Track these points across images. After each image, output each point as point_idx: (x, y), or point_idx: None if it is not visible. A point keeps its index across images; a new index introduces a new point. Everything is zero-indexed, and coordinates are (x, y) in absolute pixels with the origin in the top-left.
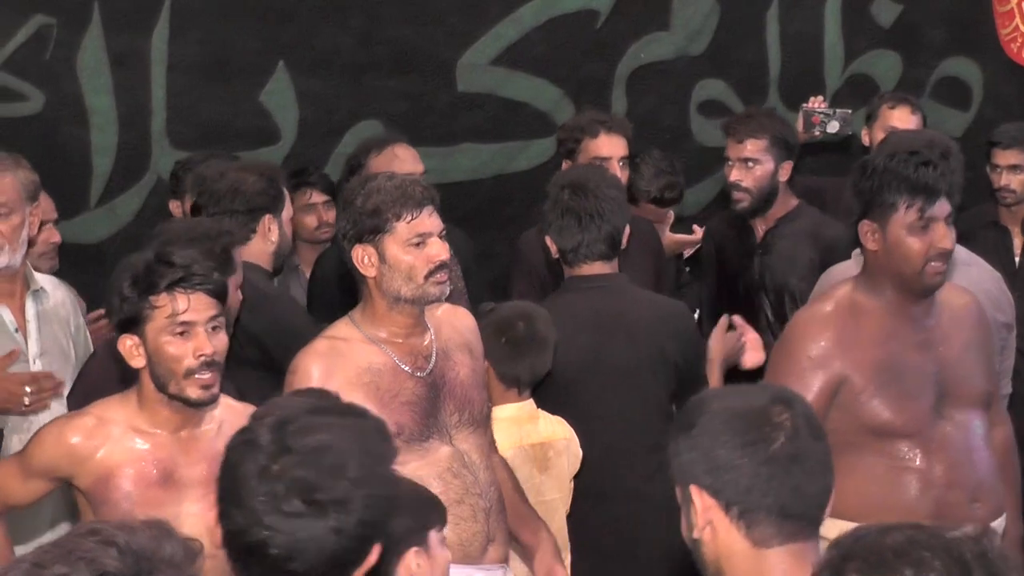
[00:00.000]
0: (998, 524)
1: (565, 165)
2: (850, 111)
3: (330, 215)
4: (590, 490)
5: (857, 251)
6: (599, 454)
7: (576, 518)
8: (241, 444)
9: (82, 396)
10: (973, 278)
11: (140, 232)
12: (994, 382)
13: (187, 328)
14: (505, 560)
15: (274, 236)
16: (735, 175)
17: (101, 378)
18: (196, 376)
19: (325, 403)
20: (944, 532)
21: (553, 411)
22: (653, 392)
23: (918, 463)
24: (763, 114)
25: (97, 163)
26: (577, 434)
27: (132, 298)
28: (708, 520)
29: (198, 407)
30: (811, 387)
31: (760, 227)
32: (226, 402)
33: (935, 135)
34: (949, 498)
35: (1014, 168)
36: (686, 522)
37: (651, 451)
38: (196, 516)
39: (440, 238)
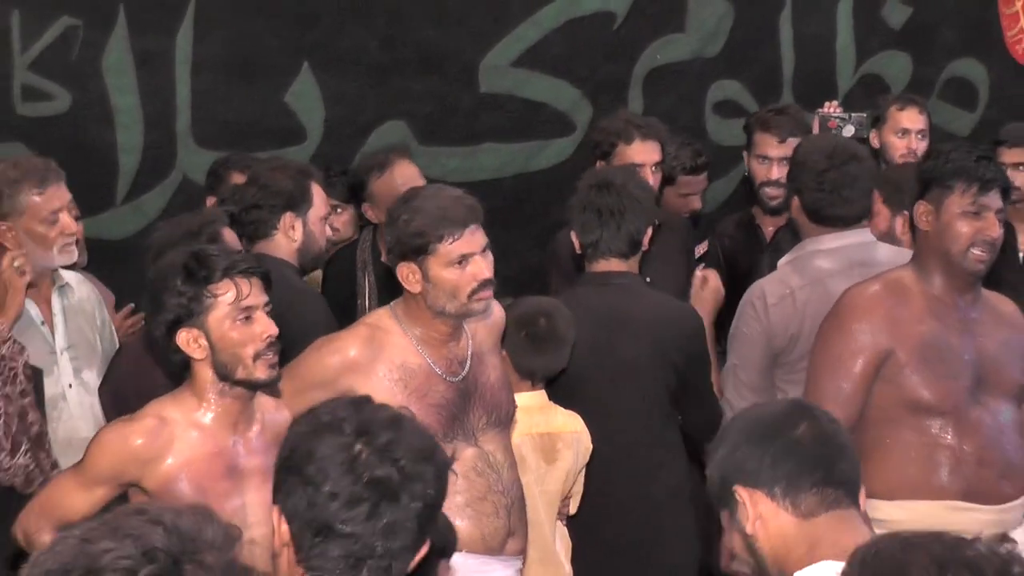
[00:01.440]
0: (1023, 502)
1: (599, 166)
2: (865, 115)
3: (341, 219)
4: (592, 483)
5: (784, 260)
6: (602, 447)
7: (579, 510)
8: (317, 428)
9: (111, 392)
10: None
11: None
12: None
13: (249, 312)
14: (523, 552)
15: (296, 235)
16: (776, 172)
17: (130, 373)
18: (264, 357)
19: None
20: (965, 546)
21: (560, 402)
22: (654, 390)
23: (950, 440)
24: (796, 110)
25: (123, 161)
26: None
27: (188, 291)
28: (757, 514)
29: (267, 386)
30: (859, 360)
31: (769, 227)
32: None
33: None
34: (980, 475)
35: (1018, 166)
36: (737, 532)
37: (651, 447)
38: (259, 505)
39: (483, 255)
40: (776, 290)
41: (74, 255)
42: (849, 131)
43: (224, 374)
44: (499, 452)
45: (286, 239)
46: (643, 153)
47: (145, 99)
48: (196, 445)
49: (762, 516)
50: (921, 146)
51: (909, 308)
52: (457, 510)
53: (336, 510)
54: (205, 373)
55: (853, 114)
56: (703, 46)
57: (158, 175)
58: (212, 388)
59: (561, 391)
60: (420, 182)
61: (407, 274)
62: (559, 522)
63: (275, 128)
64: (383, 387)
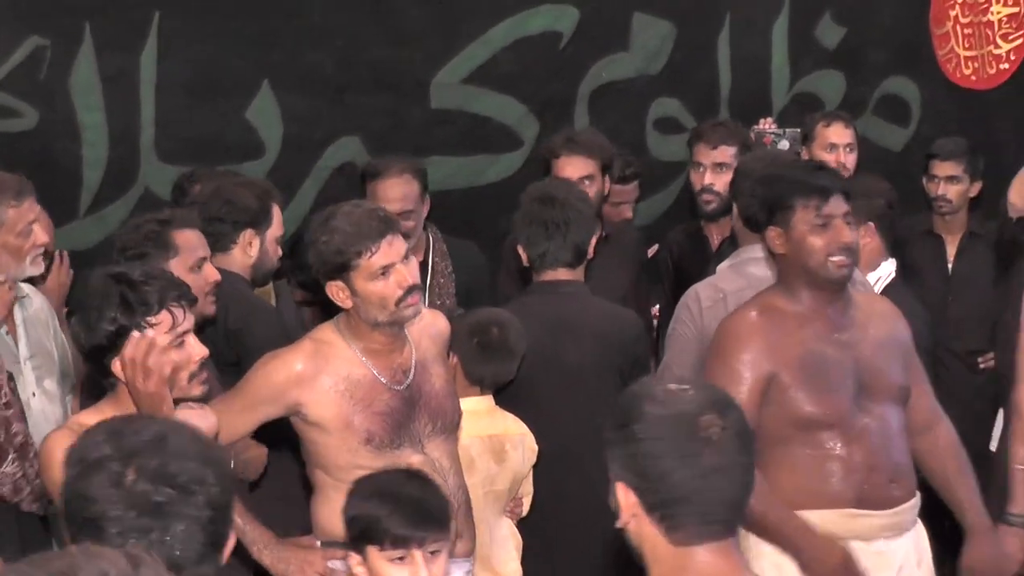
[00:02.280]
0: (913, 504)
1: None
2: (799, 130)
3: None
4: (541, 486)
5: (722, 265)
6: (549, 451)
7: (530, 511)
8: (85, 468)
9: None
10: None
11: None
12: (910, 379)
13: (183, 338)
14: (471, 554)
15: (253, 251)
16: (708, 178)
17: None
18: (197, 377)
19: (128, 417)
20: None
21: (508, 407)
22: (599, 393)
23: (840, 451)
24: (732, 123)
25: (88, 176)
26: (534, 431)
27: (125, 322)
28: (633, 514)
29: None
30: (744, 388)
31: (715, 236)
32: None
33: (780, 154)
34: (871, 481)
35: (951, 179)
36: (614, 503)
37: (597, 449)
38: None
39: (405, 263)
40: (710, 294)
41: (42, 266)
42: (784, 146)
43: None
44: (445, 458)
45: (243, 254)
46: (570, 167)
47: (110, 116)
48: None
49: (637, 519)
50: (850, 159)
51: (785, 329)
52: None
53: (128, 543)
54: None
55: (788, 130)
56: (646, 65)
57: (121, 188)
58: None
59: (509, 396)
60: (393, 203)
61: (336, 292)
62: (510, 521)
63: (235, 144)
64: (330, 399)
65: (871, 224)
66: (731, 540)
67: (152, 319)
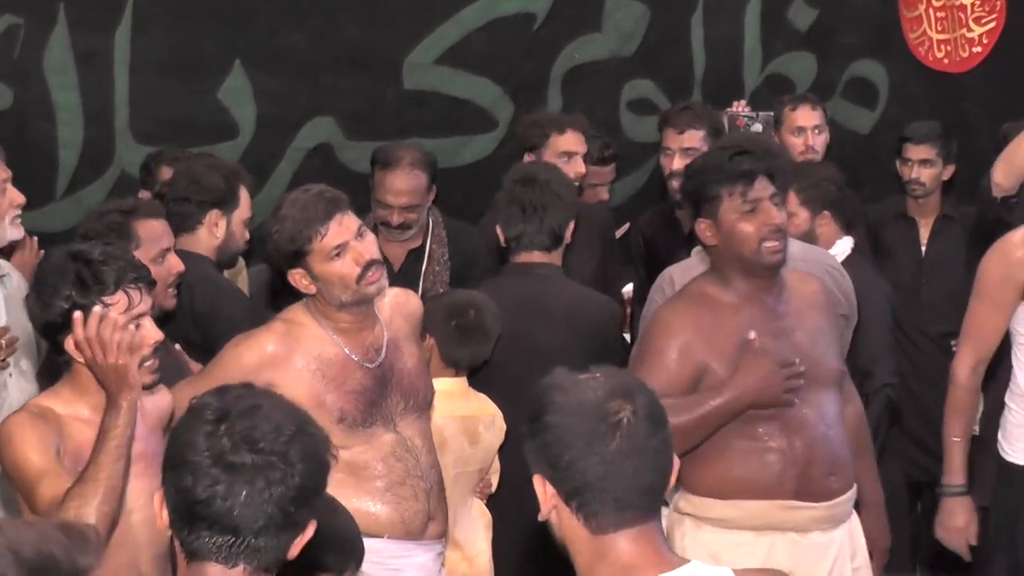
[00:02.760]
0: (850, 496)
1: (528, 159)
2: (772, 113)
3: None
4: (511, 467)
5: (697, 248)
6: (520, 432)
7: (499, 494)
8: (187, 417)
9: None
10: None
11: None
12: (842, 361)
13: (139, 320)
14: (443, 536)
15: (220, 232)
16: (676, 163)
17: None
18: (148, 363)
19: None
20: None
21: (480, 388)
22: None
23: (779, 442)
24: (700, 106)
25: (63, 157)
26: (504, 411)
27: (80, 301)
28: (553, 505)
29: (148, 388)
30: (677, 379)
31: (687, 220)
32: None
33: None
34: (809, 473)
35: (924, 162)
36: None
37: None
38: (140, 491)
39: (359, 239)
40: (684, 276)
41: (22, 229)
42: (757, 129)
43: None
44: (417, 437)
45: (209, 235)
46: (575, 142)
47: (85, 96)
48: (77, 435)
49: (557, 510)
50: (818, 140)
51: (717, 318)
52: (377, 495)
53: (195, 496)
54: (85, 370)
55: (761, 113)
56: (619, 46)
57: (97, 170)
58: (92, 384)
59: (482, 377)
60: (399, 196)
61: (298, 279)
62: (480, 501)
63: (209, 124)
64: (302, 379)
65: (826, 213)
66: (650, 525)
67: (107, 299)
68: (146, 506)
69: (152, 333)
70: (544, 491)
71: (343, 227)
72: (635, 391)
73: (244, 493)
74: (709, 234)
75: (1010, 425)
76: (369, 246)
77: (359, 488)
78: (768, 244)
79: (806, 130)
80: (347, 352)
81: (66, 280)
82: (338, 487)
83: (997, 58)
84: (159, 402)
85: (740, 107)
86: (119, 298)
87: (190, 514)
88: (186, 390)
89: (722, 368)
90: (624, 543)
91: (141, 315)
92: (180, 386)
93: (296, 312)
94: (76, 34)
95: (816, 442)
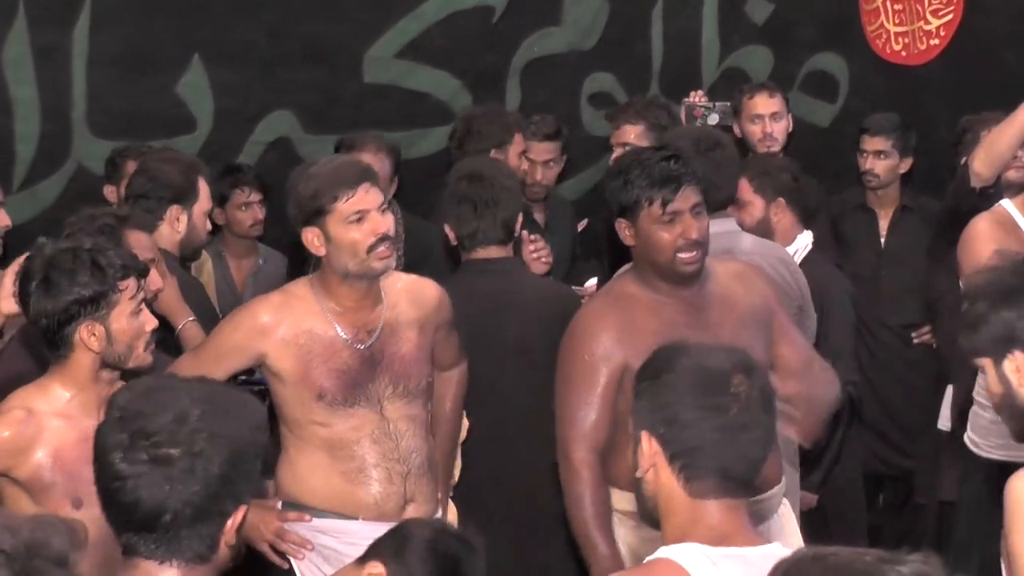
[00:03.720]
0: (777, 491)
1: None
2: (729, 104)
3: (263, 212)
4: (480, 462)
5: None
6: (492, 427)
7: (467, 487)
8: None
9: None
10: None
11: (61, 215)
12: (776, 338)
13: (142, 307)
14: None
15: (181, 226)
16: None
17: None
18: (150, 346)
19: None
20: (887, 567)
21: None
22: (541, 368)
23: None
24: (641, 103)
25: (20, 150)
26: (472, 407)
27: (95, 286)
28: (652, 463)
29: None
30: (597, 381)
31: None
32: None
33: (706, 130)
34: None
35: (879, 154)
36: (632, 459)
37: (539, 424)
38: None
39: (381, 212)
40: None
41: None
42: (714, 119)
43: (115, 364)
44: (402, 422)
45: (170, 230)
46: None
47: (43, 91)
48: (62, 433)
49: (656, 469)
50: (776, 128)
51: (638, 317)
52: (351, 475)
53: (106, 495)
54: (86, 361)
55: (717, 103)
56: (579, 40)
57: (54, 164)
58: (89, 375)
59: None
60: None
61: (311, 239)
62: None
63: (167, 118)
64: (290, 351)
65: (781, 200)
66: (743, 500)
67: (121, 284)
68: None
69: (151, 319)
70: (649, 448)
71: (369, 196)
72: (755, 369)
73: (145, 491)
74: (628, 234)
75: (981, 419)
76: (388, 221)
77: (333, 467)
78: (683, 255)
79: (764, 117)
80: (338, 330)
81: (82, 268)
82: (315, 465)
83: (955, 51)
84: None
85: (697, 97)
86: (130, 283)
87: (107, 511)
88: (187, 362)
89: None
90: (719, 511)
91: (144, 302)
92: (182, 358)
93: (298, 285)
94: (35, 29)
95: None
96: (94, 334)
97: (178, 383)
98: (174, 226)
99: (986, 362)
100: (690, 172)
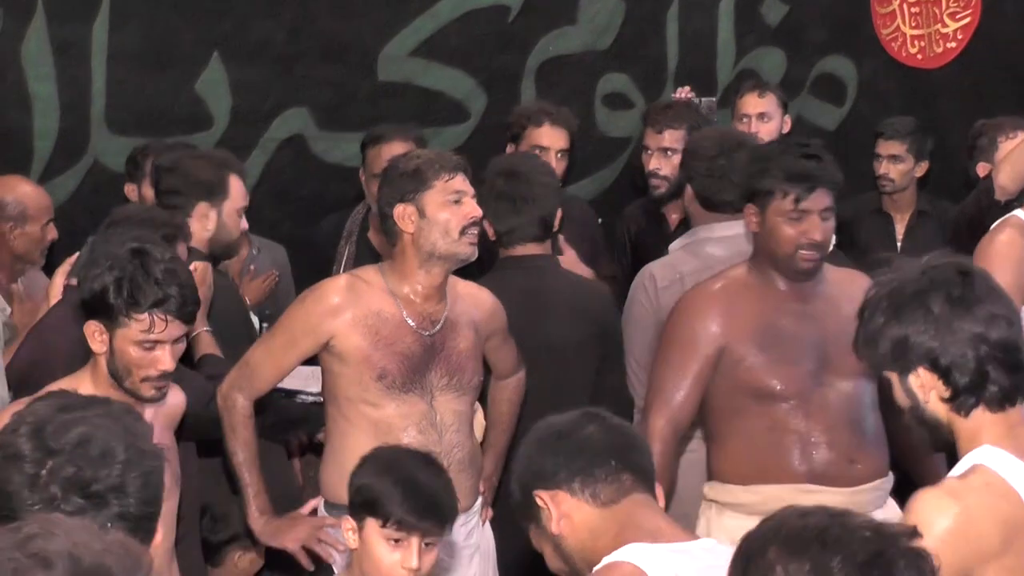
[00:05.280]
0: (879, 484)
1: (510, 149)
2: (714, 99)
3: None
4: (511, 458)
5: (675, 244)
6: (528, 425)
7: (499, 484)
8: (2, 460)
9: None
10: None
11: (77, 211)
12: None
13: (155, 346)
14: (468, 510)
15: (210, 224)
16: (654, 163)
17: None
18: (151, 382)
19: (70, 400)
20: (869, 524)
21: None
22: (578, 367)
23: (797, 424)
24: (681, 105)
25: (38, 146)
26: None
27: (117, 304)
28: (561, 513)
29: (150, 403)
30: (695, 360)
31: (673, 215)
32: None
33: (731, 131)
34: (828, 458)
35: (893, 158)
36: (546, 542)
37: None
38: None
39: (474, 200)
40: (666, 274)
41: None
42: None
43: (114, 376)
44: (449, 415)
45: (199, 227)
46: (549, 137)
47: (62, 87)
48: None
49: (566, 513)
50: (763, 128)
51: (745, 302)
52: None
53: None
54: (101, 363)
55: (704, 99)
56: (594, 40)
57: (71, 159)
58: (106, 379)
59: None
60: None
61: (403, 214)
62: None
63: (185, 115)
64: (357, 331)
65: None
66: (651, 496)
67: (135, 315)
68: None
69: (164, 362)
70: (551, 501)
71: (467, 184)
72: (599, 413)
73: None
74: (754, 220)
75: None
76: (479, 211)
77: None
78: (804, 253)
79: (751, 117)
80: (404, 315)
81: (112, 275)
82: (358, 447)
83: (972, 54)
84: (170, 399)
85: (684, 93)
86: (144, 319)
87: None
88: (258, 350)
89: (742, 348)
90: (634, 507)
91: (158, 343)
92: (255, 348)
93: (368, 271)
94: (54, 25)
95: (837, 426)
96: (98, 335)
97: (84, 411)
98: (202, 223)
99: (892, 375)
100: (828, 175)
